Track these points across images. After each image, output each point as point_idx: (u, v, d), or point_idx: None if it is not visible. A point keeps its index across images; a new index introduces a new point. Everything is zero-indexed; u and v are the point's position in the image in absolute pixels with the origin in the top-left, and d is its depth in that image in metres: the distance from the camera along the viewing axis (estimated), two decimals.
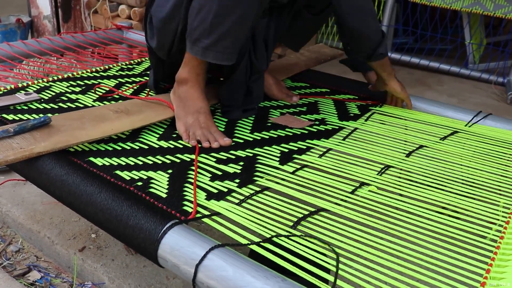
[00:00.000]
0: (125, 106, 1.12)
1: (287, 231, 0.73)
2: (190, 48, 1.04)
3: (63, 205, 0.88)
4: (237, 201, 0.82)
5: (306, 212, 0.79)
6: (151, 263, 1.07)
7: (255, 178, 0.90)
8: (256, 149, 1.03)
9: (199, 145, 1.02)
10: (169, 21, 1.09)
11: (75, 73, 1.41)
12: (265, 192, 0.86)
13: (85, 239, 1.21)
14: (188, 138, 1.04)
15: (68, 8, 2.47)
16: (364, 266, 0.65)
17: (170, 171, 0.91)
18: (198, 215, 0.76)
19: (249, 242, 0.69)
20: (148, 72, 1.42)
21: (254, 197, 0.84)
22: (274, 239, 0.70)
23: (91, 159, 0.93)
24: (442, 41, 2.93)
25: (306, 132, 1.14)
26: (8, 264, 1.18)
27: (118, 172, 0.89)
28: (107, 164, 0.92)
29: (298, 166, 0.96)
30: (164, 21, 1.09)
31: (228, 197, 0.83)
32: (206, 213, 0.77)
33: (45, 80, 1.33)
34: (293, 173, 0.93)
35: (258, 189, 0.87)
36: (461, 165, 1.01)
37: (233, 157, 0.99)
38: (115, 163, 0.92)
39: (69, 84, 1.32)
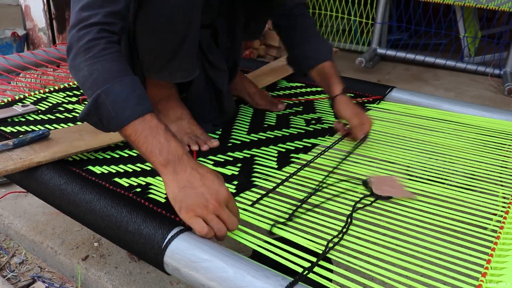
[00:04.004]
0: None
1: (289, 232, 0.73)
2: (156, 75, 1.02)
3: (65, 215, 0.88)
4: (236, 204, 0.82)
5: (305, 211, 0.80)
6: (155, 269, 1.08)
7: (254, 179, 0.91)
8: (254, 150, 1.04)
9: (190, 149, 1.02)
10: None
11: (71, 83, 1.42)
12: (264, 192, 0.86)
13: (88, 248, 1.21)
14: None
15: (62, 20, 2.48)
16: (366, 262, 0.66)
17: None
18: None
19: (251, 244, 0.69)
20: None
21: (253, 198, 0.84)
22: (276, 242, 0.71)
23: (90, 167, 0.93)
24: (437, 36, 2.94)
25: (303, 131, 1.15)
26: (12, 276, 1.19)
27: (116, 179, 0.89)
28: (106, 172, 0.92)
29: (298, 166, 0.96)
30: None
31: None
32: None
33: (41, 91, 1.34)
34: (292, 175, 0.93)
35: (256, 190, 0.87)
36: (460, 157, 1.02)
37: (231, 159, 0.99)
38: (114, 171, 0.93)
39: (65, 95, 1.33)
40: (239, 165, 0.97)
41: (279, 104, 1.30)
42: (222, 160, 0.99)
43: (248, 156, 1.01)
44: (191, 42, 0.98)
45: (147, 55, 0.90)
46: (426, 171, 0.95)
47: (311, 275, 0.63)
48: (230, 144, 1.06)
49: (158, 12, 0.89)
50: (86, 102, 1.25)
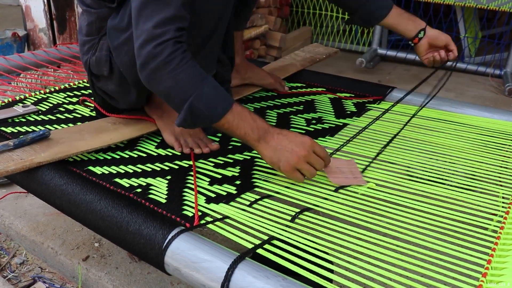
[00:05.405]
0: (123, 118, 1.12)
1: (288, 232, 0.73)
2: None
3: (66, 216, 0.88)
4: (236, 204, 0.83)
5: (306, 212, 0.80)
6: (155, 270, 1.08)
7: (254, 180, 0.91)
8: (254, 152, 1.04)
9: (193, 151, 1.02)
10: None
11: (72, 84, 1.42)
12: (264, 192, 0.86)
13: (89, 249, 1.22)
14: (180, 147, 1.03)
15: (63, 20, 2.48)
16: (367, 263, 0.66)
17: (169, 177, 0.91)
18: (203, 221, 0.76)
19: (254, 245, 0.69)
20: None
21: (251, 199, 0.84)
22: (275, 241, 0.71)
23: (90, 168, 0.93)
24: None
25: (303, 131, 1.15)
26: (13, 277, 1.19)
27: (117, 179, 0.90)
28: (106, 172, 0.92)
29: None
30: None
31: (231, 202, 0.84)
32: (209, 219, 0.77)
33: (42, 92, 1.34)
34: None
35: (259, 190, 0.87)
36: (459, 158, 1.01)
37: (231, 160, 0.99)
38: (114, 171, 0.93)
39: (66, 95, 1.33)
40: (239, 167, 0.97)
41: (286, 86, 1.44)
42: (222, 162, 0.99)
43: (249, 157, 1.01)
44: (216, 40, 0.98)
45: None
46: (426, 171, 0.95)
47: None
48: (230, 147, 1.06)
49: (193, 8, 0.89)
50: (87, 103, 1.26)
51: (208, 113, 0.84)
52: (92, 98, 1.22)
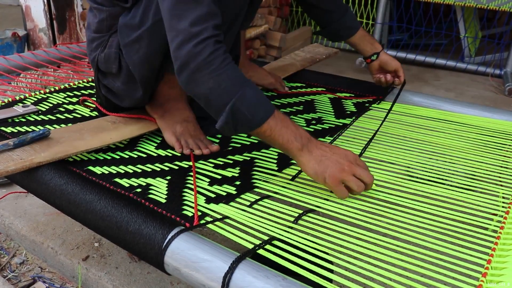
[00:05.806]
0: (123, 117, 1.12)
1: (288, 232, 0.73)
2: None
3: (65, 216, 0.88)
4: (235, 204, 0.83)
5: (307, 213, 0.80)
6: (155, 270, 1.08)
7: (253, 181, 0.91)
8: (254, 152, 1.04)
9: (193, 152, 1.02)
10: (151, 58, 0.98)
11: (71, 84, 1.42)
12: (264, 193, 0.86)
13: (88, 248, 1.22)
14: (181, 147, 1.02)
15: (63, 20, 2.48)
16: (367, 263, 0.66)
17: (168, 177, 0.91)
18: (202, 221, 0.76)
19: (255, 245, 0.69)
20: None
21: (251, 199, 0.84)
22: (275, 241, 0.71)
23: (90, 168, 0.93)
24: (437, 36, 2.94)
25: None
26: (13, 277, 1.19)
27: (117, 179, 0.90)
28: (106, 172, 0.92)
29: (298, 168, 0.96)
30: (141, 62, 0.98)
31: (231, 202, 0.84)
32: (208, 219, 0.77)
33: (42, 92, 1.34)
34: (293, 179, 0.93)
35: (258, 191, 0.87)
36: (459, 158, 1.01)
37: (231, 161, 0.99)
38: (114, 171, 0.93)
39: (66, 95, 1.33)
40: (239, 167, 0.96)
41: (286, 87, 1.45)
42: (222, 163, 0.99)
43: (248, 158, 1.01)
44: (228, 40, 0.98)
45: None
46: (426, 171, 0.95)
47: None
48: (230, 148, 1.06)
49: None
50: (87, 103, 1.26)
51: (250, 116, 0.80)
52: (94, 98, 1.22)
